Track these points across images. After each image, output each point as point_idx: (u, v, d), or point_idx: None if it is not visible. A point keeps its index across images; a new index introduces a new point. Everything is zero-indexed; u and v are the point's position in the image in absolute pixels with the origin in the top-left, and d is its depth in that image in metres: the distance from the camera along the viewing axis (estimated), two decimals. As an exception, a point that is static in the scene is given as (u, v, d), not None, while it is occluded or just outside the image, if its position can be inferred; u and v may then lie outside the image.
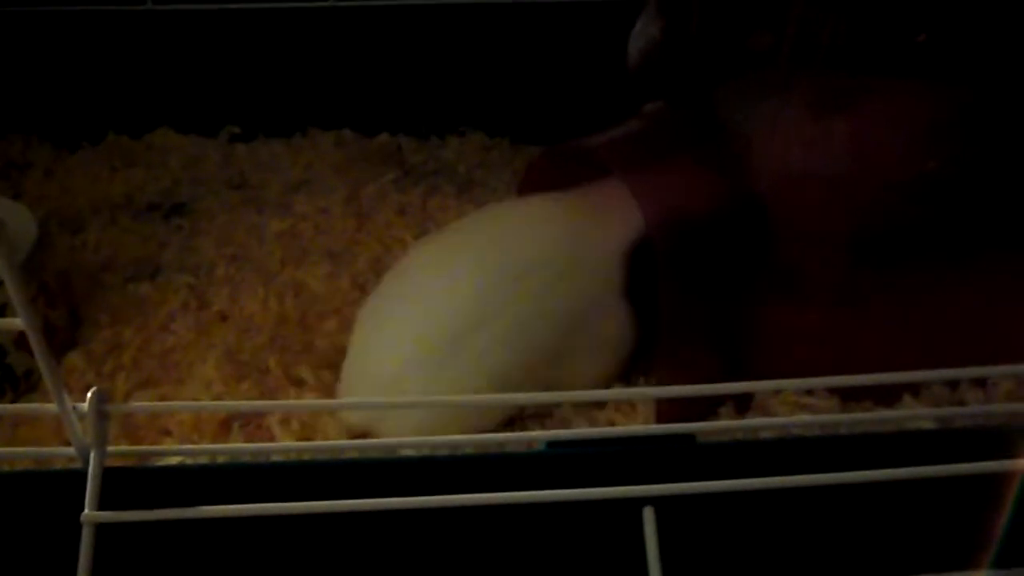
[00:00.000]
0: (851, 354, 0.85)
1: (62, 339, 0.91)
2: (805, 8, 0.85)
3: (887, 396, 0.84)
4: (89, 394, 0.45)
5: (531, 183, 0.91)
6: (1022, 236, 0.84)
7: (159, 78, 1.28)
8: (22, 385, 0.85)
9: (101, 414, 0.44)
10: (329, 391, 0.86)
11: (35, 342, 0.42)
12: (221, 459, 0.57)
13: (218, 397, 0.84)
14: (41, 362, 0.43)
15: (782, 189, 0.80)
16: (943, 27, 0.84)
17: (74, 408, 0.45)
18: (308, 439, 0.78)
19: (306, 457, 0.49)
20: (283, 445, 0.51)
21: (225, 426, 0.81)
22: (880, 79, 0.84)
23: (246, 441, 0.79)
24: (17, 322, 0.42)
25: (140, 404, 0.57)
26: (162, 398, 0.84)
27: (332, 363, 0.89)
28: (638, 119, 0.89)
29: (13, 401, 0.84)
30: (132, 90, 1.29)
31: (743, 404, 0.82)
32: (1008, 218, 0.84)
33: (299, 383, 0.86)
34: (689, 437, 0.43)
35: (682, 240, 0.77)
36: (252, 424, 0.82)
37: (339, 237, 1.08)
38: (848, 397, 0.83)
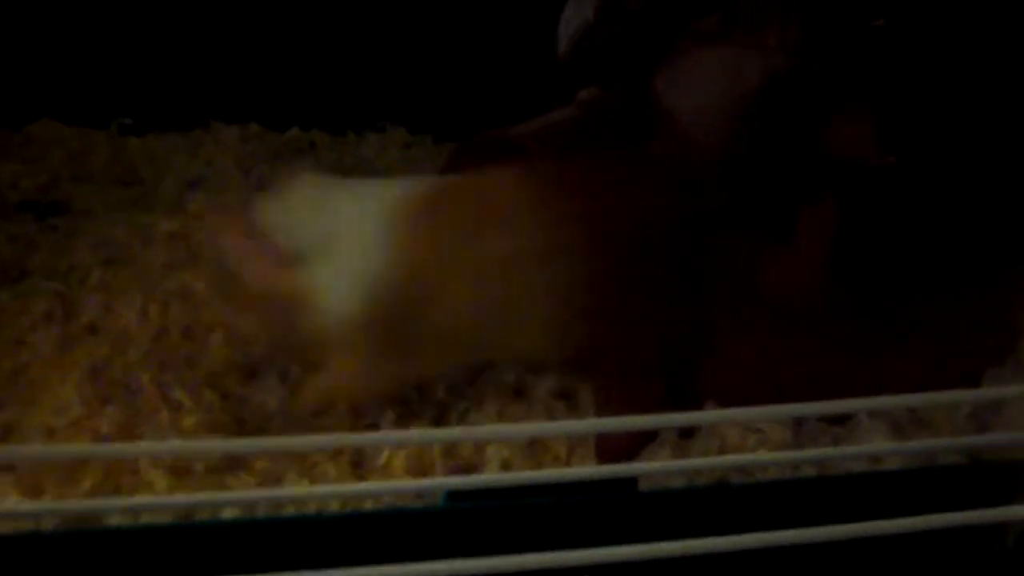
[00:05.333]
0: (801, 375, 0.77)
1: None
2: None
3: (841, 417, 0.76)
4: None
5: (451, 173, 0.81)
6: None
7: (42, 63, 1.15)
8: None
9: None
10: (213, 412, 0.74)
11: None
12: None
13: (76, 422, 0.71)
14: None
15: (730, 177, 0.72)
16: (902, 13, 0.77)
17: None
18: (179, 476, 0.66)
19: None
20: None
21: (82, 462, 0.69)
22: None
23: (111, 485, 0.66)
24: None
25: None
26: (7, 424, 0.71)
27: (217, 382, 0.77)
28: (570, 107, 0.79)
29: None
30: (11, 76, 1.15)
31: (688, 429, 0.73)
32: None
33: (176, 406, 0.74)
34: (630, 482, 0.33)
35: (619, 242, 0.68)
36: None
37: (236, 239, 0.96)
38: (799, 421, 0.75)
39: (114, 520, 0.59)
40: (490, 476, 0.36)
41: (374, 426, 0.73)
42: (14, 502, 0.61)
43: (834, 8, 0.75)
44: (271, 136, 1.18)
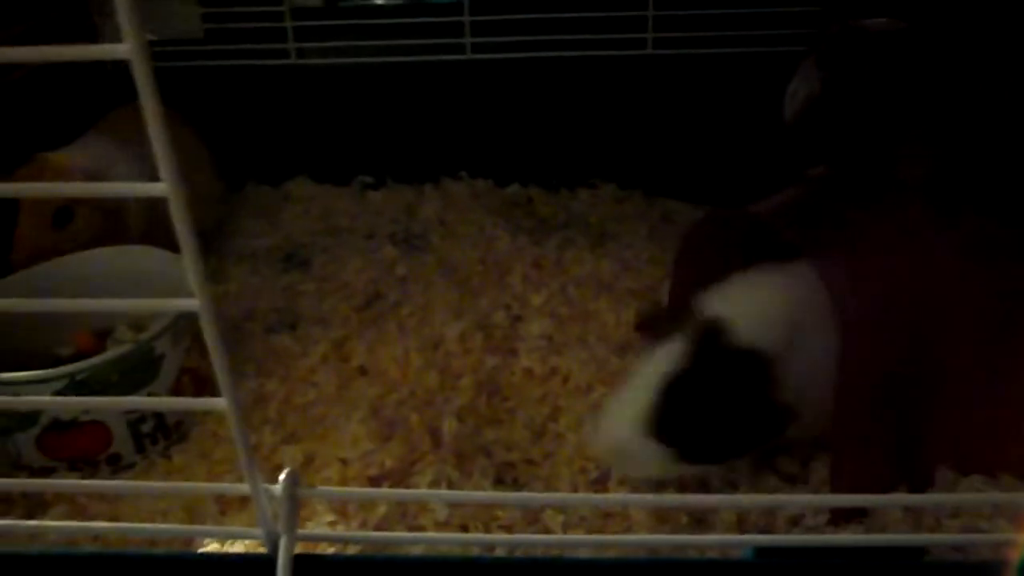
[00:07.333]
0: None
1: (212, 389, 0.92)
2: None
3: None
4: (282, 477, 0.44)
5: (692, 248, 0.87)
6: None
7: (297, 128, 1.32)
8: (173, 435, 0.87)
9: (292, 498, 0.43)
10: (471, 441, 0.84)
11: (235, 421, 0.42)
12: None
13: (365, 455, 0.83)
14: (238, 442, 0.42)
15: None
16: None
17: (265, 490, 0.43)
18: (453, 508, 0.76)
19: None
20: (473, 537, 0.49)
21: (374, 483, 0.80)
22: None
23: (400, 510, 0.77)
24: (220, 401, 0.41)
25: (326, 489, 0.56)
26: (307, 454, 0.84)
27: (464, 421, 0.87)
28: (804, 184, 0.84)
29: (166, 449, 0.85)
30: (271, 140, 1.32)
31: (921, 483, 0.76)
32: None
33: (437, 440, 0.84)
34: (918, 552, 0.38)
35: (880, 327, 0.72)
36: (402, 484, 0.80)
37: (477, 290, 1.07)
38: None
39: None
40: (798, 536, 0.42)
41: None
42: (326, 526, 0.74)
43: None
44: (494, 191, 1.30)
